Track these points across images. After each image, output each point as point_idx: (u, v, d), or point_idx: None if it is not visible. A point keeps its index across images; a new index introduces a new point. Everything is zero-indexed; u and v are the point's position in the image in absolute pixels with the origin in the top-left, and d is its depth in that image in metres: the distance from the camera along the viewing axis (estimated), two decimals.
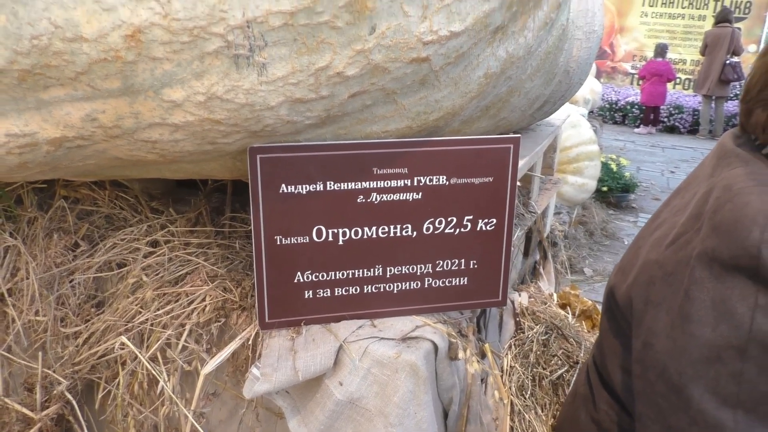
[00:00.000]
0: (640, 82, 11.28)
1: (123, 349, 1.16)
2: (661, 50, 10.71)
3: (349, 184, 1.06)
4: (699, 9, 13.35)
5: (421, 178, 1.09)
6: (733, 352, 0.80)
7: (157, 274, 1.19)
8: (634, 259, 1.02)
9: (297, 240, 1.07)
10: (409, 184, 1.08)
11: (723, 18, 9.96)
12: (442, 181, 1.10)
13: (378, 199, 1.08)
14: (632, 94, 12.34)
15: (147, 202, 1.39)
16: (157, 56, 0.83)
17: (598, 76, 13.57)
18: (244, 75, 0.86)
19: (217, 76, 0.86)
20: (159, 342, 1.14)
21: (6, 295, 1.23)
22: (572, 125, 5.47)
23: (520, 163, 1.36)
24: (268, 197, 1.03)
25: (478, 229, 1.14)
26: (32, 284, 1.21)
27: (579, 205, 5.76)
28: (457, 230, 1.14)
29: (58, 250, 1.23)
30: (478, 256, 1.17)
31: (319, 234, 1.08)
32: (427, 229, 1.12)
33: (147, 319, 1.15)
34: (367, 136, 1.05)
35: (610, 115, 12.33)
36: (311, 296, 1.11)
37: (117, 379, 1.19)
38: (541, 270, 2.10)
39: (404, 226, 1.11)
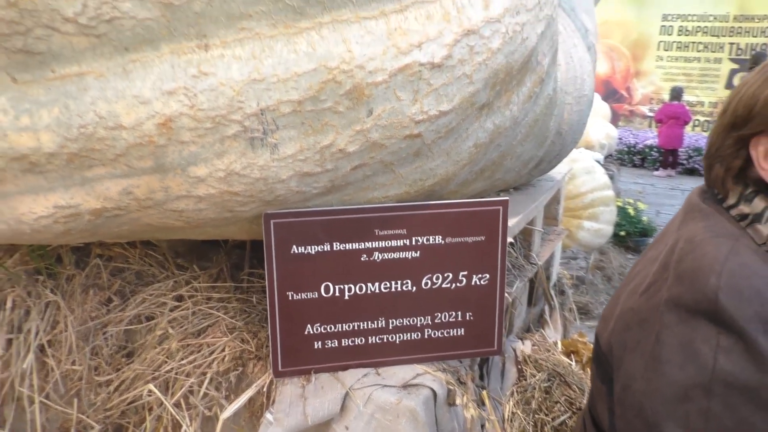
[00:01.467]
0: (658, 126, 11.37)
1: (150, 396, 1.27)
2: (677, 94, 10.83)
3: (354, 244, 1.17)
4: (714, 52, 13.49)
5: (419, 238, 1.20)
6: (699, 390, 0.88)
7: (181, 327, 1.31)
8: (614, 308, 1.11)
9: (307, 295, 1.18)
10: (408, 243, 1.20)
11: (757, 63, 10.08)
12: (438, 241, 1.21)
13: (380, 257, 1.19)
14: (650, 137, 12.42)
15: (173, 259, 1.52)
16: (185, 140, 0.97)
17: (615, 120, 13.70)
18: (259, 154, 1.00)
19: (235, 155, 1.00)
20: (183, 389, 1.25)
21: (46, 346, 1.36)
22: (586, 171, 5.56)
23: (515, 220, 1.47)
24: (280, 257, 1.15)
25: (473, 283, 1.25)
26: (70, 336, 1.33)
27: (596, 250, 5.80)
28: (453, 285, 1.24)
29: (93, 304, 1.36)
30: (474, 309, 1.27)
31: (326, 290, 1.19)
32: (426, 284, 1.23)
33: (172, 368, 1.27)
34: (369, 201, 1.17)
35: (629, 158, 12.39)
36: (320, 347, 1.22)
37: (144, 424, 1.29)
38: (548, 318, 2.18)
39: (404, 282, 1.22)
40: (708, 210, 1.03)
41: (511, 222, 1.42)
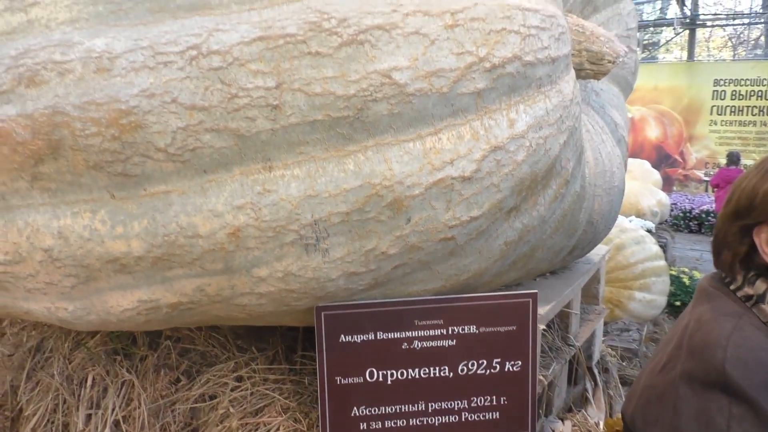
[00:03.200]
0: (714, 191, 11.16)
1: None
2: (735, 158, 10.65)
3: (395, 333, 1.30)
4: None
5: (455, 327, 1.32)
6: None
7: (241, 406, 1.44)
8: (637, 387, 1.20)
9: (353, 380, 1.31)
10: (444, 333, 1.32)
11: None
12: (473, 330, 1.32)
13: (419, 345, 1.31)
14: (707, 201, 12.16)
15: (234, 341, 1.67)
16: (250, 246, 1.14)
17: (669, 185, 13.53)
18: (312, 257, 1.15)
19: (292, 258, 1.15)
20: None
21: (121, 421, 1.51)
22: (636, 241, 5.54)
23: (547, 307, 1.56)
24: (330, 345, 1.29)
25: (506, 369, 1.35)
26: (142, 413, 1.48)
27: (649, 322, 5.69)
28: (488, 371, 1.34)
29: (163, 384, 1.52)
30: (508, 393, 1.36)
31: (371, 375, 1.31)
32: (462, 370, 1.34)
33: None
34: (408, 294, 1.31)
35: (685, 224, 12.13)
36: (365, 428, 1.33)
37: None
38: (590, 397, 2.21)
39: (442, 368, 1.33)
40: (715, 293, 1.13)
41: (543, 310, 1.52)
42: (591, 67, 1.60)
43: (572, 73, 1.40)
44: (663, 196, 8.37)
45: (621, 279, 5.38)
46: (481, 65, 1.14)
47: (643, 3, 15.02)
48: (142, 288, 1.23)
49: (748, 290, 1.08)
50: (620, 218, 6.93)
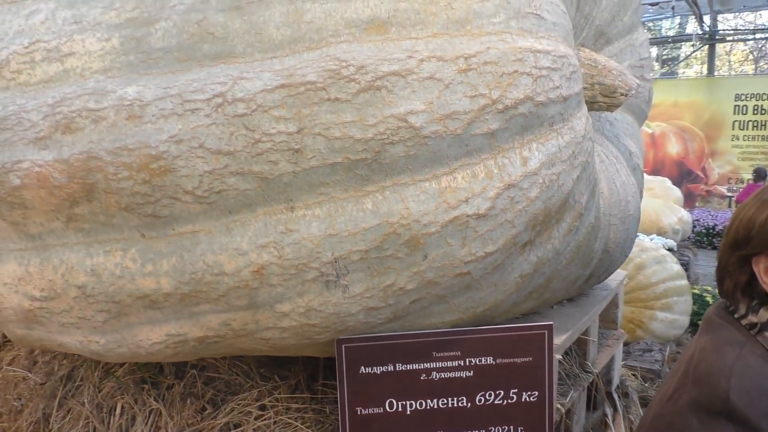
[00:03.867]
0: None
1: None
2: (763, 174, 10.50)
3: (414, 365, 1.34)
4: None
5: (472, 359, 1.35)
6: None
7: None
8: (647, 417, 1.22)
9: (374, 410, 1.34)
10: (462, 364, 1.35)
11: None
12: (490, 361, 1.35)
13: (437, 376, 1.35)
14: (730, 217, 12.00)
15: (257, 369, 1.72)
16: (273, 283, 1.18)
17: (692, 201, 13.39)
18: (333, 293, 1.20)
19: (313, 294, 1.20)
20: None
21: None
22: (657, 261, 5.50)
23: (564, 337, 1.58)
24: (350, 377, 1.32)
25: (523, 400, 1.37)
26: None
27: (672, 342, 5.63)
28: (505, 401, 1.37)
29: (190, 412, 1.56)
30: (525, 423, 1.38)
31: (390, 405, 1.35)
32: (479, 400, 1.36)
33: None
34: (426, 326, 1.34)
35: (708, 240, 11.97)
36: None
37: None
38: (610, 423, 2.21)
39: (460, 399, 1.36)
40: (719, 322, 1.15)
41: (559, 340, 1.55)
42: (604, 100, 1.64)
43: (584, 109, 1.44)
44: (684, 214, 8.29)
45: (642, 299, 5.34)
46: (494, 107, 1.18)
47: (661, 18, 14.99)
48: (170, 322, 1.28)
49: (752, 318, 1.10)
50: (641, 236, 6.89)
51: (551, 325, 1.35)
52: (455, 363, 1.34)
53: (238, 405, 1.58)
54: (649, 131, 14.31)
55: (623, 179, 1.81)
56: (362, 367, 1.32)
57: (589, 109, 1.65)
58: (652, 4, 11.03)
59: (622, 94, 1.63)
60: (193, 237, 1.19)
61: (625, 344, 5.11)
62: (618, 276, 2.30)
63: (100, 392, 1.70)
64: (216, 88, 1.14)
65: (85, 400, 1.69)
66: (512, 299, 1.42)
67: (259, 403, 1.58)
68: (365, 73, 1.13)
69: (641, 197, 2.00)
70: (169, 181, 1.15)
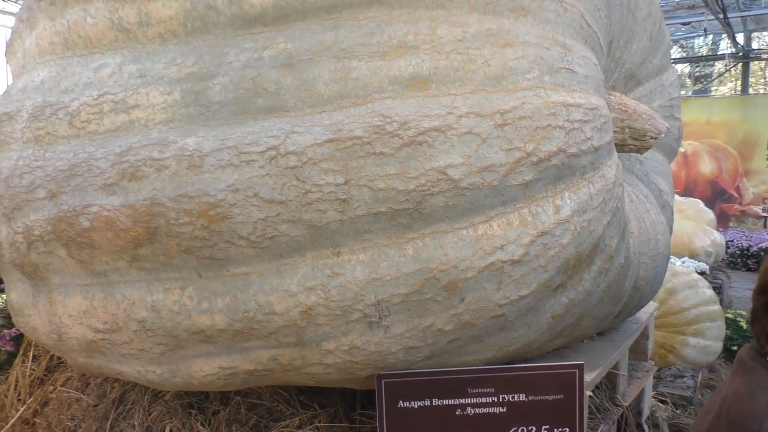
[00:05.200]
0: None
1: None
2: None
3: (450, 400, 1.40)
4: None
5: (505, 395, 1.41)
6: None
7: None
8: None
9: None
10: (495, 400, 1.41)
11: None
12: (522, 398, 1.41)
13: (472, 412, 1.41)
14: (766, 238, 11.77)
15: (297, 397, 1.80)
16: (320, 323, 1.27)
17: (725, 221, 13.17)
18: (375, 333, 1.28)
19: (357, 334, 1.28)
20: None
21: None
22: (689, 286, 5.45)
23: (594, 374, 1.63)
24: (389, 410, 1.40)
25: None
26: None
27: (705, 368, 5.56)
28: None
29: None
30: None
31: None
32: None
33: None
34: (462, 364, 1.41)
35: (743, 262, 11.75)
36: None
37: None
38: None
39: None
40: (751, 365, 1.20)
41: (589, 377, 1.59)
42: (634, 143, 1.70)
43: (615, 156, 1.50)
44: (717, 236, 8.17)
45: (674, 324, 5.29)
46: (529, 159, 1.26)
47: (694, 36, 14.87)
48: (222, 356, 1.37)
49: None
50: (672, 259, 6.83)
51: (582, 365, 1.41)
52: (489, 399, 1.41)
53: None
54: (682, 150, 14.15)
55: (653, 218, 1.85)
56: (401, 401, 1.39)
57: (620, 152, 1.71)
58: (684, 24, 10.97)
59: (651, 138, 1.69)
60: (246, 278, 1.28)
61: (657, 369, 5.08)
62: (648, 308, 2.33)
63: (149, 416, 1.80)
64: (270, 141, 1.23)
65: (136, 423, 1.79)
66: (544, 338, 1.48)
67: (300, 431, 1.66)
68: (408, 129, 1.21)
69: (671, 233, 2.05)
70: (225, 227, 1.24)
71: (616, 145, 1.67)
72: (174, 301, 1.33)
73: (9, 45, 1.80)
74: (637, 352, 2.39)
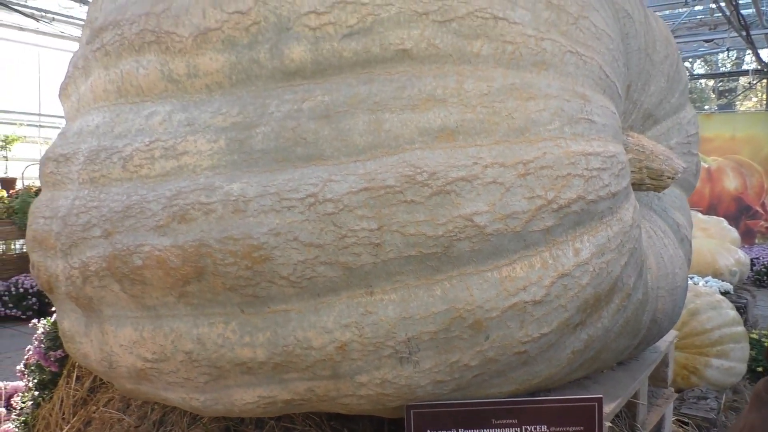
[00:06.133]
0: None
1: None
2: None
3: (475, 430, 1.48)
4: None
5: (528, 426, 1.49)
6: None
7: None
8: None
9: None
10: (518, 431, 1.49)
11: None
12: (544, 429, 1.49)
13: None
14: None
15: (328, 422, 1.89)
16: (354, 358, 1.36)
17: (751, 238, 13.02)
18: (405, 368, 1.37)
19: (388, 368, 1.37)
20: None
21: None
22: (712, 306, 5.44)
23: (613, 405, 1.70)
24: None
25: None
26: None
27: (729, 389, 5.53)
28: None
29: None
30: None
31: None
32: None
33: None
34: (486, 396, 1.49)
35: None
36: None
37: None
38: None
39: None
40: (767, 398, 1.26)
41: (609, 408, 1.66)
42: (652, 182, 1.78)
43: (632, 199, 1.58)
44: (742, 255, 8.12)
45: (697, 345, 5.29)
46: (550, 207, 1.34)
47: (718, 52, 14.80)
48: (262, 386, 1.47)
49: None
50: (695, 279, 6.81)
51: (601, 398, 1.48)
52: (512, 430, 1.48)
53: None
54: (705, 165, 14.06)
55: (671, 252, 1.92)
56: (428, 431, 1.48)
57: (638, 190, 1.79)
58: (706, 41, 10.96)
59: (668, 177, 1.76)
60: (286, 315, 1.38)
61: (679, 391, 5.08)
62: (668, 337, 2.39)
63: None
64: (309, 189, 1.33)
65: None
66: (565, 371, 1.55)
67: None
68: (436, 179, 1.31)
69: (689, 265, 2.11)
70: (267, 268, 1.35)
71: (634, 184, 1.75)
72: (218, 334, 1.44)
73: (63, 88, 1.94)
74: (658, 378, 2.44)
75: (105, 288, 1.54)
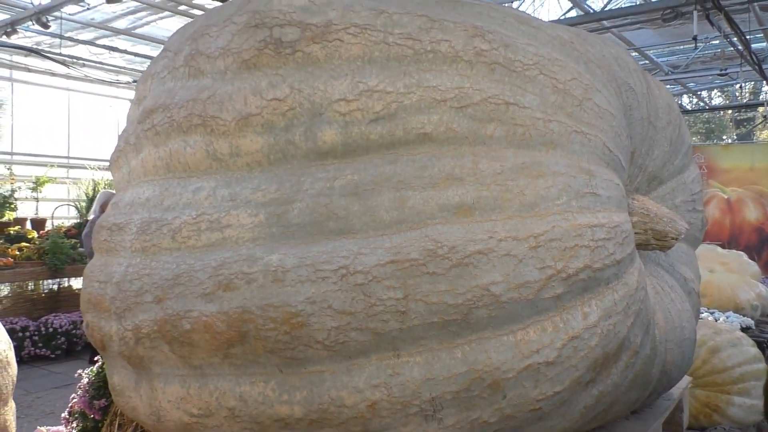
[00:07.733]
0: None
1: None
2: None
3: None
4: None
5: None
6: None
7: None
8: None
9: None
10: None
11: None
12: None
13: None
14: None
15: None
16: (383, 415, 1.50)
17: None
18: (430, 424, 1.50)
19: (414, 425, 1.50)
20: None
21: None
22: (732, 344, 5.46)
23: None
24: None
25: None
26: None
27: (752, 427, 5.51)
28: None
29: None
30: None
31: None
32: None
33: None
34: None
35: None
36: None
37: None
38: None
39: None
40: None
41: None
42: (656, 243, 1.90)
43: (636, 263, 1.71)
44: (763, 289, 8.07)
45: (718, 383, 5.30)
46: (559, 276, 1.48)
47: (731, 84, 14.88)
48: None
49: None
50: (716, 314, 6.81)
51: None
52: None
53: None
54: (725, 197, 14.03)
55: (678, 307, 2.04)
56: None
57: (644, 250, 1.92)
58: (720, 74, 11.09)
59: (672, 238, 1.89)
60: (321, 375, 1.52)
61: (702, 429, 5.09)
62: (681, 383, 2.48)
63: None
64: (341, 261, 1.49)
65: None
66: (578, 425, 1.67)
67: None
68: (456, 252, 1.45)
69: (697, 319, 2.22)
70: (304, 333, 1.50)
71: (640, 244, 1.88)
72: (259, 392, 1.58)
73: (114, 160, 2.14)
74: (673, 423, 2.52)
75: (155, 348, 1.70)
